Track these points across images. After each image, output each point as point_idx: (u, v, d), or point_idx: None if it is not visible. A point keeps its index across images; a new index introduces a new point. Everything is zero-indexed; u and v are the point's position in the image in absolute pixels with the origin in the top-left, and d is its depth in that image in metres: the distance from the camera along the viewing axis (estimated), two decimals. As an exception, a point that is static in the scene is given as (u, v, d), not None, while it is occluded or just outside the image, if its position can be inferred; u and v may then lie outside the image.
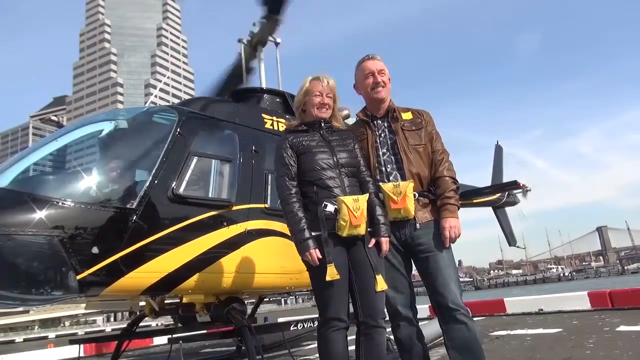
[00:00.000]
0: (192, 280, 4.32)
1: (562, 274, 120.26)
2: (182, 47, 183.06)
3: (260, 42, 6.74)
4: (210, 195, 4.76)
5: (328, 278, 2.58)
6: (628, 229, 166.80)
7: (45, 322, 53.23)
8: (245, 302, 5.76)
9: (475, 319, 3.04)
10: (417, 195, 2.86)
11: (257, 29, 6.62)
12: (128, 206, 4.00)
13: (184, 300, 4.74)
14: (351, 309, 2.76)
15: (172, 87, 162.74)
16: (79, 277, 3.62)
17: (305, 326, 5.49)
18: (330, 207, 2.67)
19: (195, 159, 4.57)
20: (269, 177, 5.01)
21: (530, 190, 12.73)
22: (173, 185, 4.27)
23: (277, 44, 6.86)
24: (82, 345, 5.98)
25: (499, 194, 13.64)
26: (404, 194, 2.76)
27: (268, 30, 6.58)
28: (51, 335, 34.76)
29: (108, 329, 36.28)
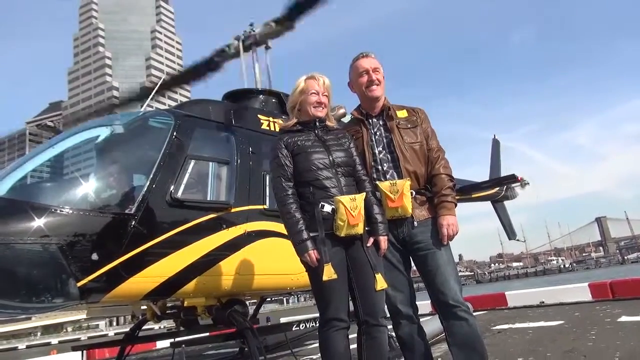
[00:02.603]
0: (193, 284, 4.33)
1: (562, 266, 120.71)
2: (177, 49, 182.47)
3: (257, 43, 6.75)
4: (208, 198, 4.76)
5: (325, 278, 2.58)
6: (627, 218, 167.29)
7: (48, 328, 53.12)
8: (247, 303, 5.76)
9: (477, 313, 3.06)
10: (414, 193, 2.86)
11: (259, 29, 6.63)
12: (127, 211, 4.00)
13: (186, 303, 4.74)
14: (352, 308, 2.77)
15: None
16: (79, 284, 3.63)
17: (308, 326, 5.50)
18: (328, 207, 2.67)
19: (192, 162, 4.58)
20: (267, 178, 5.01)
21: (528, 183, 12.77)
22: (171, 189, 4.27)
23: (268, 47, 6.88)
24: (85, 352, 5.97)
25: (497, 188, 13.67)
26: (401, 192, 2.76)
27: (274, 33, 6.61)
28: (54, 341, 34.64)
29: (111, 333, 36.18)
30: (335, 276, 2.60)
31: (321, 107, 2.91)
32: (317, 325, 2.77)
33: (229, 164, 4.91)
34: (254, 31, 6.70)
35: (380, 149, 2.97)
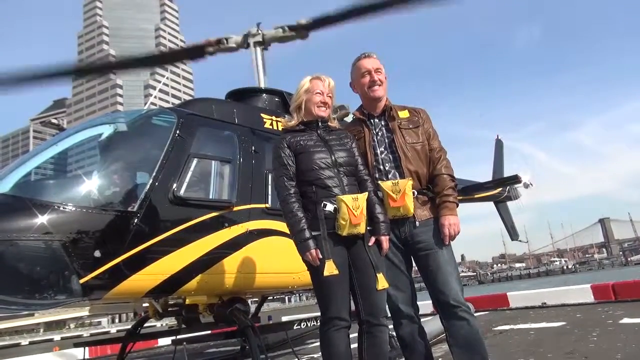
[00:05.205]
0: (194, 282, 4.34)
1: (565, 267, 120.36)
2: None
3: (263, 43, 6.81)
4: (211, 197, 4.76)
5: (326, 273, 2.58)
6: (631, 220, 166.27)
7: (50, 324, 53.34)
8: (249, 301, 5.77)
9: (478, 313, 3.06)
10: (415, 193, 2.87)
11: (268, 31, 6.69)
12: (129, 209, 4.02)
13: (187, 301, 4.75)
14: (353, 307, 2.77)
15: (172, 87, 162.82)
16: (82, 280, 3.65)
17: (309, 325, 5.51)
18: (330, 207, 2.67)
19: (195, 161, 4.58)
20: (270, 177, 5.02)
21: (531, 184, 12.73)
22: (174, 187, 4.28)
23: (267, 48, 6.94)
24: (86, 348, 5.99)
25: (500, 189, 13.64)
26: (403, 192, 2.77)
27: (285, 38, 6.70)
28: (56, 337, 34.75)
29: (113, 330, 36.28)
30: (336, 272, 2.60)
31: (325, 107, 2.93)
32: (319, 324, 2.77)
33: (231, 163, 4.92)
34: (260, 31, 6.74)
35: (382, 149, 2.98)
